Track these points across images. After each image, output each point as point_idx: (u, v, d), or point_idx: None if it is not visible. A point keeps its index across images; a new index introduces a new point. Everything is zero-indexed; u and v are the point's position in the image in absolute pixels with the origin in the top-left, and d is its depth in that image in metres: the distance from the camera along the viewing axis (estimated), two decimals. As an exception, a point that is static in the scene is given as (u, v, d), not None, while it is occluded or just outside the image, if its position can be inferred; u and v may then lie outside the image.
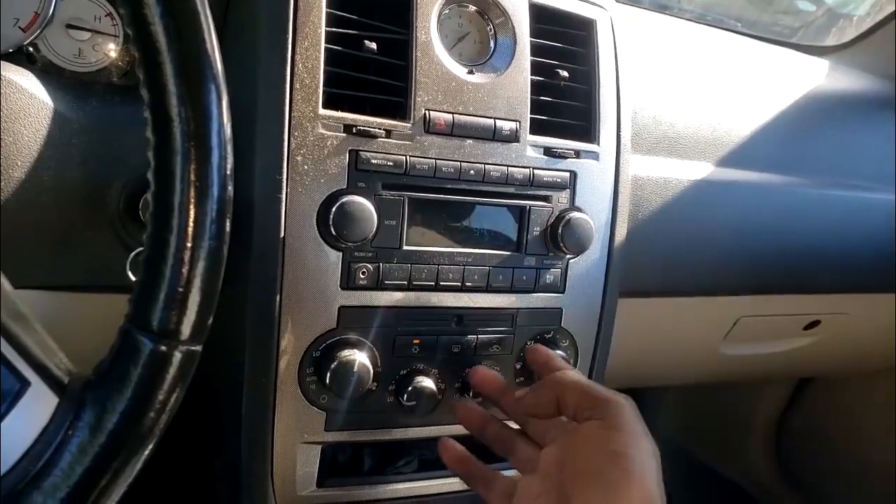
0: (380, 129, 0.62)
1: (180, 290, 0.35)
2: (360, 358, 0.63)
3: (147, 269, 0.36)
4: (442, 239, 0.66)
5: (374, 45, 0.62)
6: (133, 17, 0.34)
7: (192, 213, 0.35)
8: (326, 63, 0.60)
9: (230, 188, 0.37)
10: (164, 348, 0.36)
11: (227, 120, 0.36)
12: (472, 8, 0.68)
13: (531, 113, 0.68)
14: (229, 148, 0.36)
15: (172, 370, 0.36)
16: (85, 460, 0.34)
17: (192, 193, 0.35)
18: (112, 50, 0.63)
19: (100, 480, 0.34)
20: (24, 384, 0.34)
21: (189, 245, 0.35)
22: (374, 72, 0.63)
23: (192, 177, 0.35)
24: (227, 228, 0.37)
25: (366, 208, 0.60)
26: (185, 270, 0.35)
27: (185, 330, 0.36)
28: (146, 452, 0.36)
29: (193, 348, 0.37)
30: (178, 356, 0.36)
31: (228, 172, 0.36)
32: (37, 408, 0.35)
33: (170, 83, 0.34)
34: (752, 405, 1.54)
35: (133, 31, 0.34)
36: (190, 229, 0.35)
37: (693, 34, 1.06)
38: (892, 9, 1.19)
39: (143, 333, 0.36)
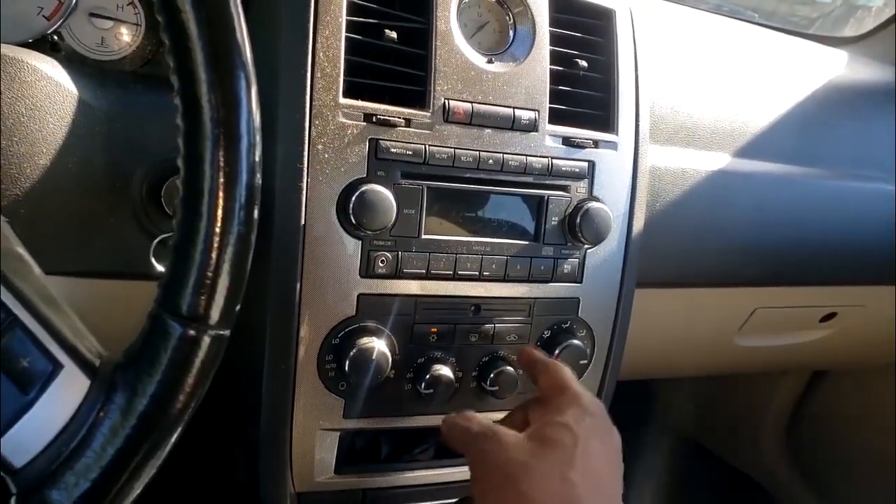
0: (399, 118, 0.62)
1: (209, 275, 0.36)
2: (378, 346, 0.63)
3: (177, 254, 0.36)
4: (460, 228, 0.67)
5: (394, 35, 0.62)
6: (164, 4, 0.34)
7: (221, 198, 0.35)
8: (347, 52, 0.60)
9: (258, 175, 0.37)
10: (193, 332, 0.36)
11: (256, 107, 0.37)
12: (492, -3, 0.68)
13: (550, 102, 0.68)
14: (258, 136, 0.37)
15: (201, 354, 0.36)
16: (116, 442, 0.35)
17: (222, 179, 0.35)
18: (134, 38, 0.64)
19: (130, 462, 0.35)
20: (57, 366, 0.35)
21: (218, 230, 0.35)
22: (393, 61, 0.63)
23: (222, 162, 0.35)
24: (256, 215, 0.37)
25: (385, 197, 0.61)
26: (214, 255, 0.36)
27: (214, 315, 0.36)
28: (175, 435, 0.37)
29: (222, 333, 0.37)
30: (206, 340, 0.36)
31: (257, 160, 0.37)
32: (69, 390, 0.35)
33: (200, 70, 0.34)
34: (766, 397, 1.54)
35: (164, 19, 0.35)
36: (219, 215, 0.35)
37: (710, 25, 1.06)
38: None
39: (173, 317, 0.36)
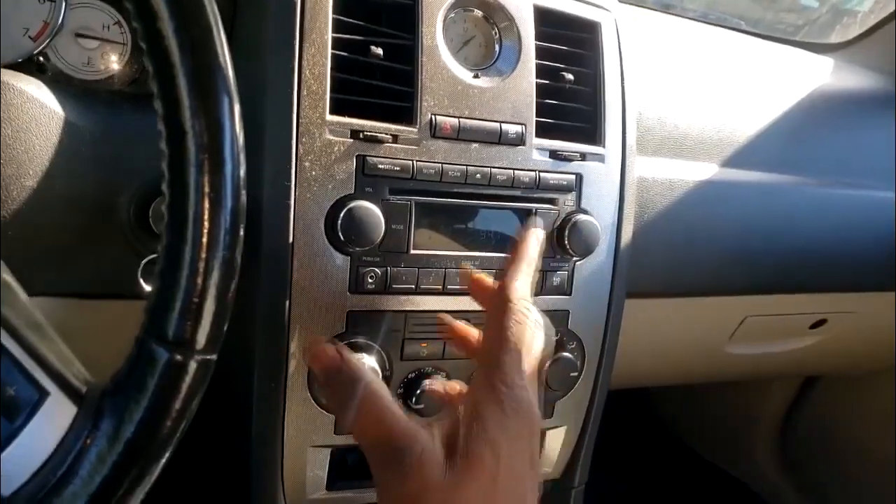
0: (386, 134, 0.62)
1: (195, 300, 0.36)
2: (368, 361, 0.63)
3: (162, 279, 0.36)
4: (449, 243, 0.67)
5: (380, 51, 0.62)
6: (147, 31, 0.34)
7: (206, 224, 0.35)
8: (333, 69, 0.61)
9: (243, 197, 0.37)
10: (179, 358, 0.36)
11: (240, 130, 0.37)
12: (478, 12, 0.68)
13: (537, 116, 0.68)
14: (242, 157, 0.37)
15: (188, 379, 0.36)
16: (103, 469, 0.35)
17: (207, 205, 0.35)
18: (120, 58, 0.64)
19: (118, 489, 0.35)
20: (43, 394, 0.35)
21: (203, 256, 0.35)
22: (380, 77, 0.63)
23: (207, 188, 0.35)
24: (241, 238, 0.37)
25: (373, 213, 0.61)
26: (199, 281, 0.36)
27: (201, 340, 0.37)
28: (163, 461, 0.37)
29: (208, 357, 0.37)
30: (193, 366, 0.37)
31: (241, 182, 0.37)
32: (55, 417, 0.35)
33: (183, 96, 0.35)
34: (759, 404, 1.55)
35: (147, 45, 0.35)
36: (204, 240, 0.35)
37: (697, 34, 1.07)
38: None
39: (159, 343, 0.36)
